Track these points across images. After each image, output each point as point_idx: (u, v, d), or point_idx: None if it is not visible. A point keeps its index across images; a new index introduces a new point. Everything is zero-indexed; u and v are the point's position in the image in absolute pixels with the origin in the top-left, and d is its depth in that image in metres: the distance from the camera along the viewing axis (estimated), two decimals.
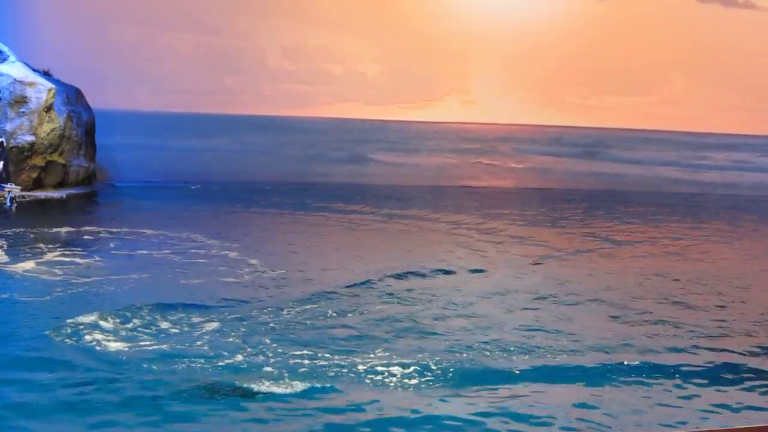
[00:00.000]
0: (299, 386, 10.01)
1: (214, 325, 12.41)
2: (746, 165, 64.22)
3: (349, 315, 13.39)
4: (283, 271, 16.60)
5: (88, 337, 11.49)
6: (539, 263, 18.68)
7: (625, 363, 11.45)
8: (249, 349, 11.30)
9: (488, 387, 10.46)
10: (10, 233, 19.42)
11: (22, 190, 25.49)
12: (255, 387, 9.92)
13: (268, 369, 10.59)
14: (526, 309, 14.43)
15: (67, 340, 11.36)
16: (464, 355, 11.58)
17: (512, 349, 11.93)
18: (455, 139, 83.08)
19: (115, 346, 11.24)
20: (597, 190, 38.13)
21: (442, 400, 9.94)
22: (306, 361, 10.92)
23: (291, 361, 10.88)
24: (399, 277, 16.26)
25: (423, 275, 16.66)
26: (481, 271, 17.51)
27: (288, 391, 9.90)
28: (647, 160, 65.22)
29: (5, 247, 17.61)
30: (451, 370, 10.87)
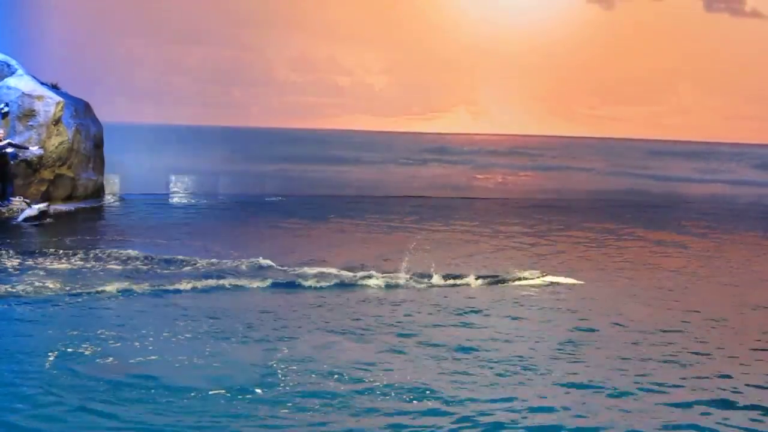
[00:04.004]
0: None
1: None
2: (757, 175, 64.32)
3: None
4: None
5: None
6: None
7: None
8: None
9: None
10: (17, 245, 19.19)
11: (29, 204, 25.32)
12: None
13: None
14: None
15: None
16: None
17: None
18: (464, 150, 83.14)
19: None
20: (617, 200, 37.84)
21: None
22: None
23: None
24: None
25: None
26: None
27: None
28: (664, 170, 65.30)
29: (14, 259, 17.32)
30: None
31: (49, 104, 26.53)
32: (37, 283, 15.08)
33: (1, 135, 25.01)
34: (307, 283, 16.13)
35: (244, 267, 17.46)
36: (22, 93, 26.33)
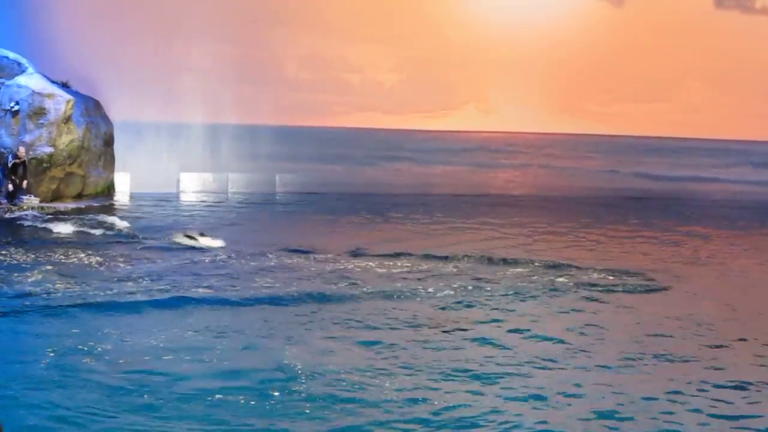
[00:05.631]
0: None
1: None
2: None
3: None
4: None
5: None
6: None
7: None
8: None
9: None
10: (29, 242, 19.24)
11: (41, 201, 25.38)
12: None
13: None
14: None
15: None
16: None
17: None
18: (475, 148, 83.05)
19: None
20: (626, 197, 37.86)
21: None
22: None
23: None
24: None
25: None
26: None
27: None
28: (672, 168, 64.99)
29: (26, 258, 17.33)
30: None
31: (59, 102, 26.57)
32: (48, 280, 15.15)
33: (22, 153, 24.97)
34: None
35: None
36: (33, 91, 26.37)
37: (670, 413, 9.70)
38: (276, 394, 9.77)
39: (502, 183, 47.10)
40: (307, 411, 9.34)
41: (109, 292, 14.45)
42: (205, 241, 19.50)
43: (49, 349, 11.16)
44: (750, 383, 10.82)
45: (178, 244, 19.55)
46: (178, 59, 37.80)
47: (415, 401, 9.74)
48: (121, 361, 10.79)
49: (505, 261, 19.00)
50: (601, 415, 9.57)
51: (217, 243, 19.47)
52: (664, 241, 24.11)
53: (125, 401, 9.43)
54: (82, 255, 17.90)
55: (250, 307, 13.93)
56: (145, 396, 9.61)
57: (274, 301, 14.38)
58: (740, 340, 13.03)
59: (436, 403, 9.71)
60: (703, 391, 10.48)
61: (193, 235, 19.75)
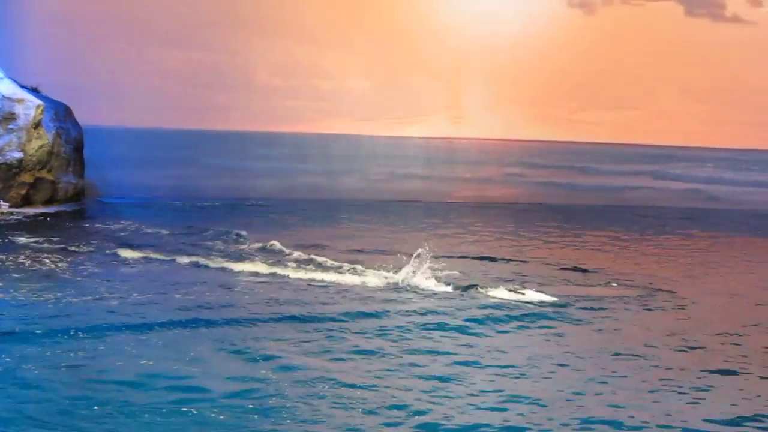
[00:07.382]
0: None
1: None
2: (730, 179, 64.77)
3: None
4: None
5: None
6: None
7: None
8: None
9: None
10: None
11: (10, 206, 25.27)
12: None
13: None
14: None
15: None
16: None
17: None
18: (446, 155, 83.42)
19: None
20: (593, 205, 38.23)
21: None
22: None
23: None
24: None
25: None
26: None
27: None
28: (640, 174, 65.62)
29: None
30: None
31: (29, 107, 26.48)
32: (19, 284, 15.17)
33: None
34: None
35: None
36: (2, 96, 26.27)
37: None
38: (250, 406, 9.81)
39: (469, 190, 47.23)
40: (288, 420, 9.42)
41: None
42: (533, 295, 16.80)
43: None
44: None
45: (495, 297, 16.65)
46: (149, 65, 37.82)
47: (390, 407, 9.82)
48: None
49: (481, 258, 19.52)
50: (591, 421, 9.77)
51: (545, 297, 16.67)
52: (636, 250, 24.44)
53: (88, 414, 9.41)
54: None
55: None
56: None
57: None
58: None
59: (413, 411, 9.83)
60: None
61: (518, 290, 17.12)
